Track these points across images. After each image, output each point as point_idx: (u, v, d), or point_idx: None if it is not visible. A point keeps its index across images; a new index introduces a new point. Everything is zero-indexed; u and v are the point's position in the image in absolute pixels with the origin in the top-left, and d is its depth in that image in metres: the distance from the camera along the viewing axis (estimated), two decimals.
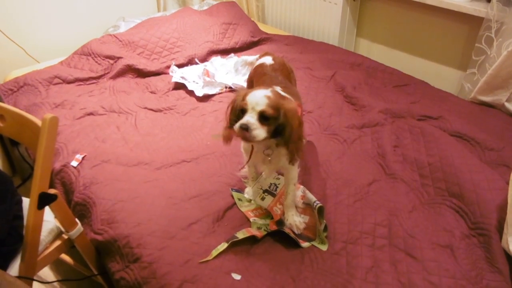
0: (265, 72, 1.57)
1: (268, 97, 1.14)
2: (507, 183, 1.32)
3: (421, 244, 1.31)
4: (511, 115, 1.99)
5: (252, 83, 1.61)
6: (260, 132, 1.13)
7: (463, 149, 1.64)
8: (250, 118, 1.13)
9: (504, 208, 1.29)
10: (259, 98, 1.13)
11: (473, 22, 2.20)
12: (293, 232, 1.35)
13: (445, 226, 1.39)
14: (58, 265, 1.87)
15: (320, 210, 1.34)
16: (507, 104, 2.00)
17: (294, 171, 1.37)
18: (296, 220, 1.37)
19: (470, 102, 2.13)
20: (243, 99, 1.16)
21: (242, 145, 1.42)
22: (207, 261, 1.24)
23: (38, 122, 1.16)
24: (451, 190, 1.49)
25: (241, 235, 1.31)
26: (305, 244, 1.32)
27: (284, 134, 1.17)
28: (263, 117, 1.13)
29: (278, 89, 1.35)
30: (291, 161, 1.22)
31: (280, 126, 1.16)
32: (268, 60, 1.64)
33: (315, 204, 1.37)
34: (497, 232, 1.30)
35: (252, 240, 1.33)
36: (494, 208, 1.36)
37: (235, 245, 1.30)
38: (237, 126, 1.14)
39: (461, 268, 1.24)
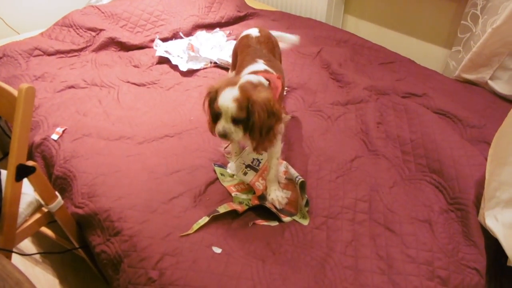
0: (250, 44, 1.58)
1: (237, 100, 1.15)
2: (486, 159, 1.34)
3: (401, 218, 1.33)
4: (494, 93, 2.01)
5: (237, 54, 1.61)
6: (236, 134, 1.20)
7: (445, 126, 1.65)
8: (225, 125, 1.18)
9: (482, 184, 1.31)
10: (228, 103, 1.15)
11: (460, 0, 2.19)
12: (275, 207, 1.35)
13: (424, 201, 1.40)
14: (40, 239, 1.86)
15: (302, 185, 1.35)
16: (490, 82, 2.01)
17: (277, 146, 1.37)
18: (278, 195, 1.38)
19: (455, 80, 2.14)
20: (216, 98, 1.18)
21: None
22: (188, 234, 1.24)
23: (15, 92, 1.13)
24: (432, 166, 1.51)
25: (222, 209, 1.32)
26: (286, 219, 1.33)
27: (252, 128, 1.19)
28: (235, 120, 1.18)
29: (261, 62, 1.36)
30: (264, 146, 1.24)
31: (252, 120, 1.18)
32: (254, 32, 1.65)
33: (297, 179, 1.38)
34: (475, 207, 1.32)
35: (233, 214, 1.33)
36: (472, 183, 1.38)
37: (216, 219, 1.30)
38: (216, 133, 1.21)
39: (438, 242, 1.27)
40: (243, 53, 1.54)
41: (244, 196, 1.41)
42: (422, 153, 1.56)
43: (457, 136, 1.60)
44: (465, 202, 1.35)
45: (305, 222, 1.32)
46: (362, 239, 1.28)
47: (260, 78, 1.30)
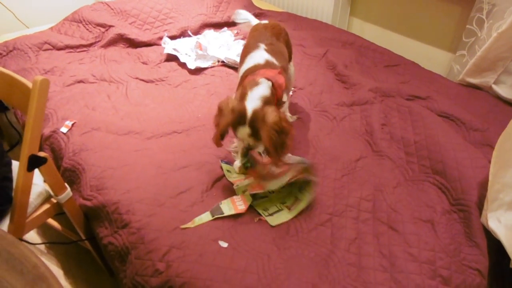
0: (257, 28, 1.69)
1: (250, 134, 1.27)
2: (489, 162, 1.36)
3: (403, 218, 1.35)
4: (497, 97, 2.03)
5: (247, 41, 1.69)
6: (252, 162, 1.36)
7: (448, 129, 1.68)
8: (245, 157, 1.37)
9: (485, 185, 1.33)
10: (245, 136, 1.29)
11: (465, 4, 2.21)
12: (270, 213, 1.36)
13: (427, 202, 1.43)
14: (45, 230, 1.88)
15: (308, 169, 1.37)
16: (494, 86, 2.03)
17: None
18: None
19: (458, 84, 2.16)
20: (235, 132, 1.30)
21: None
22: (188, 228, 1.26)
23: (29, 84, 1.16)
24: (435, 167, 1.53)
25: (226, 209, 1.33)
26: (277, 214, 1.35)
27: (268, 150, 1.27)
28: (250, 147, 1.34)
29: (262, 47, 1.48)
30: (280, 160, 1.30)
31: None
32: (264, 21, 1.77)
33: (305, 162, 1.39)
34: (477, 208, 1.34)
35: None
36: (475, 185, 1.40)
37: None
38: (237, 170, 1.46)
39: (440, 242, 1.29)
40: (249, 37, 1.66)
41: (245, 183, 1.43)
42: (426, 154, 1.58)
43: (460, 138, 1.63)
44: (467, 203, 1.37)
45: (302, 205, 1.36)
46: (365, 237, 1.30)
47: (263, 87, 1.32)
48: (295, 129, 1.74)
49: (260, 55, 1.48)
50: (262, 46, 1.52)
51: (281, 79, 1.37)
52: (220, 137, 1.33)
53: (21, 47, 2.14)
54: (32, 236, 1.86)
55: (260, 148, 1.35)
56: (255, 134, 1.27)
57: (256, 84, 1.32)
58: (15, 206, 1.20)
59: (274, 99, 1.35)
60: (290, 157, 1.49)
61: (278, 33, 1.66)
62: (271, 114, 1.24)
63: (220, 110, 1.31)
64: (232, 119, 1.27)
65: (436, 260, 1.22)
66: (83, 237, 1.53)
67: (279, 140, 1.24)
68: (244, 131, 1.27)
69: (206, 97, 1.94)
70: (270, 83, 1.34)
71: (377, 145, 1.67)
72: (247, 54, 1.52)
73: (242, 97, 1.30)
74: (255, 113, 1.26)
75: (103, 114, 1.76)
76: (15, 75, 1.21)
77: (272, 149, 1.24)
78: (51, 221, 1.65)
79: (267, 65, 1.44)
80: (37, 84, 1.12)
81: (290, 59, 1.76)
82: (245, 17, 1.91)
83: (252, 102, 1.28)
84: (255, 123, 1.25)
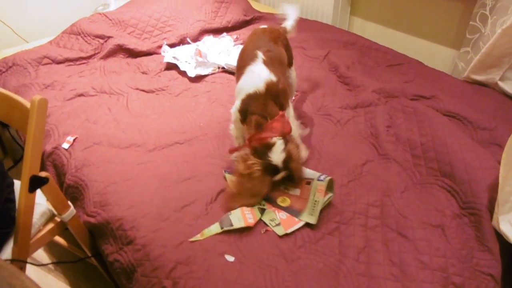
0: (256, 32, 1.68)
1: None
2: (499, 163, 1.32)
3: (413, 224, 1.33)
4: (504, 94, 2.00)
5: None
6: None
7: (455, 129, 1.64)
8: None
9: (495, 187, 1.30)
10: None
11: (468, 0, 2.18)
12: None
13: (436, 206, 1.40)
14: (52, 247, 1.87)
15: (331, 183, 1.38)
16: (500, 83, 2.00)
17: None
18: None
19: (464, 81, 2.13)
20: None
21: (233, 131, 1.53)
22: (197, 240, 1.25)
23: (27, 104, 1.15)
24: (443, 169, 1.50)
25: (236, 221, 1.30)
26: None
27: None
28: None
29: (260, 56, 1.48)
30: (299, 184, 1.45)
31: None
32: (264, 26, 1.77)
33: (322, 177, 1.39)
34: (488, 212, 1.31)
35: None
36: (485, 187, 1.37)
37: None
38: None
39: (451, 247, 1.26)
40: (247, 41, 1.65)
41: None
42: (433, 156, 1.56)
43: (468, 138, 1.59)
44: (478, 206, 1.34)
45: (313, 220, 1.32)
46: (374, 245, 1.27)
47: (279, 146, 1.35)
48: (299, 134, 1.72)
49: (258, 75, 1.43)
50: (260, 55, 1.48)
51: (288, 128, 1.39)
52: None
53: (20, 63, 2.14)
54: (39, 252, 1.85)
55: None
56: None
57: (271, 146, 1.35)
58: (19, 228, 1.19)
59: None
60: (306, 172, 1.48)
61: (276, 37, 1.64)
62: (293, 151, 1.38)
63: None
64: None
65: (448, 266, 1.20)
66: (89, 254, 1.52)
67: (301, 168, 1.43)
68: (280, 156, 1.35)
69: (207, 105, 1.92)
70: (281, 140, 1.36)
71: (383, 148, 1.64)
72: (246, 65, 1.48)
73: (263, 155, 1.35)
74: (290, 154, 1.37)
75: (104, 128, 1.74)
76: (14, 95, 1.20)
77: (300, 175, 1.43)
78: (56, 237, 1.63)
79: (268, 89, 1.40)
80: (35, 104, 1.10)
81: (290, 64, 1.74)
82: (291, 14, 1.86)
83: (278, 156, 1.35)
84: (287, 163, 1.36)
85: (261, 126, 1.36)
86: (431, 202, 1.42)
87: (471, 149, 1.52)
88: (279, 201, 1.40)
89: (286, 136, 1.39)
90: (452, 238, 1.29)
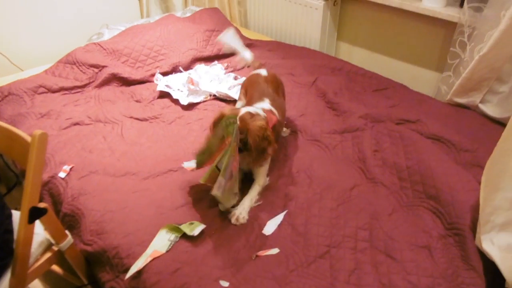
0: (259, 81, 1.81)
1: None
2: (480, 183, 1.39)
3: (401, 245, 1.38)
4: (484, 116, 2.08)
5: (246, 88, 1.86)
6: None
7: (439, 152, 1.71)
8: None
9: (477, 208, 1.36)
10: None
11: (448, 27, 2.29)
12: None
13: (423, 227, 1.45)
14: (47, 275, 1.88)
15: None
16: (481, 106, 2.09)
17: (262, 178, 1.61)
18: (242, 213, 1.47)
19: (447, 103, 2.21)
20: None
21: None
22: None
23: (28, 138, 1.19)
24: (428, 192, 1.56)
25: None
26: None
27: (248, 148, 1.46)
28: None
29: (267, 101, 1.66)
30: (258, 163, 1.53)
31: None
32: (263, 72, 1.88)
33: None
34: (471, 232, 1.37)
35: (239, 244, 1.37)
36: (468, 208, 1.43)
37: (222, 248, 1.34)
38: None
39: (438, 267, 1.31)
40: (252, 88, 1.80)
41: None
42: (419, 179, 1.62)
43: (451, 161, 1.66)
44: (461, 227, 1.40)
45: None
46: (364, 267, 1.32)
47: (259, 110, 1.53)
48: (289, 158, 1.78)
49: (265, 105, 1.67)
50: (267, 100, 1.70)
51: (274, 118, 1.56)
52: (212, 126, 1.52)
53: (16, 92, 2.18)
54: (34, 281, 1.85)
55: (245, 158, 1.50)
56: (241, 131, 1.43)
57: (255, 103, 1.59)
58: (17, 259, 1.22)
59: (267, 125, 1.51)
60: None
61: (277, 87, 1.82)
62: (260, 121, 1.46)
63: (215, 119, 1.50)
64: (226, 113, 1.46)
65: (435, 286, 1.25)
66: (86, 282, 1.54)
67: (261, 145, 1.45)
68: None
69: (200, 132, 1.98)
70: (264, 114, 1.54)
71: (371, 172, 1.70)
72: (253, 104, 1.68)
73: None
74: (248, 113, 1.47)
75: (100, 156, 1.79)
76: (14, 128, 1.24)
77: (254, 150, 1.45)
78: (53, 266, 1.65)
79: (270, 111, 1.63)
80: (35, 138, 1.15)
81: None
82: (230, 43, 2.07)
83: (247, 109, 1.49)
84: (244, 121, 1.44)
85: None
86: (417, 224, 1.47)
87: (454, 172, 1.58)
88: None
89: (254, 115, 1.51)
90: (439, 258, 1.34)
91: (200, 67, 2.49)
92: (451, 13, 2.16)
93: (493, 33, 1.84)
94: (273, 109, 1.67)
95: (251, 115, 1.48)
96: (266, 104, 1.68)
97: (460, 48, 2.13)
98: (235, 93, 2.21)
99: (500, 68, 1.95)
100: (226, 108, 1.50)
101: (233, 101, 2.20)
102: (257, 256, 1.35)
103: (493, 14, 1.89)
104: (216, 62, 2.61)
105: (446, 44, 2.35)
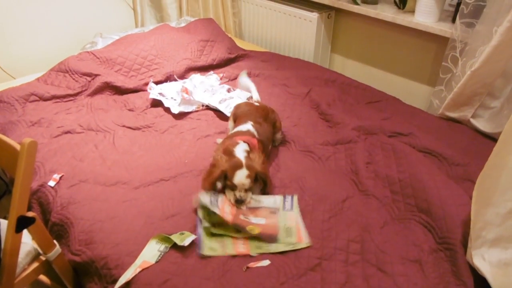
0: (249, 107, 1.91)
1: (249, 176, 1.50)
2: (471, 198, 1.39)
3: (392, 259, 1.37)
4: (476, 130, 2.09)
5: (236, 115, 1.92)
6: (246, 196, 1.53)
7: (431, 166, 1.72)
8: (241, 194, 1.52)
9: (468, 223, 1.36)
10: (244, 180, 1.50)
11: (440, 42, 2.31)
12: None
13: (414, 241, 1.45)
14: (34, 285, 1.85)
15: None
16: (472, 120, 2.10)
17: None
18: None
19: (439, 117, 2.23)
20: (231, 178, 1.51)
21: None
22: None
23: (17, 146, 1.17)
24: (420, 205, 1.56)
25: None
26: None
27: (264, 186, 1.61)
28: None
29: (250, 123, 1.78)
30: (271, 189, 1.64)
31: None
32: (256, 102, 2.01)
33: (287, 206, 1.55)
34: (462, 246, 1.37)
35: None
36: (459, 223, 1.43)
37: (212, 259, 1.33)
38: (234, 201, 1.52)
39: (429, 282, 1.30)
40: (242, 114, 1.88)
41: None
42: (410, 192, 1.62)
43: (443, 175, 1.67)
44: (453, 241, 1.39)
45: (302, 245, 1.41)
46: (355, 280, 1.31)
47: (244, 146, 1.60)
48: (282, 170, 1.77)
49: (245, 126, 1.76)
50: (250, 123, 1.78)
51: (254, 141, 1.67)
52: (214, 183, 1.53)
53: (7, 100, 2.16)
54: None
55: (256, 190, 1.58)
56: (251, 178, 1.50)
57: (236, 143, 1.61)
58: (4, 269, 1.20)
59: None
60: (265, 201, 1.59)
61: (265, 115, 1.87)
62: (257, 158, 1.57)
63: (215, 162, 1.56)
64: (229, 167, 1.51)
65: None
66: None
67: (267, 178, 1.58)
68: (242, 173, 1.50)
69: (192, 142, 1.97)
70: (247, 145, 1.62)
71: (363, 184, 1.70)
72: (238, 125, 1.81)
73: (230, 153, 1.57)
74: (247, 159, 1.55)
75: (90, 165, 1.77)
76: (4, 137, 1.23)
77: (269, 183, 1.59)
78: (40, 276, 1.62)
79: (248, 132, 1.73)
80: (25, 146, 1.13)
81: (279, 129, 1.95)
82: (246, 85, 2.20)
83: (241, 154, 1.56)
84: (251, 168, 1.52)
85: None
86: (409, 237, 1.47)
87: (446, 186, 1.59)
88: (248, 229, 1.43)
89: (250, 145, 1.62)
90: (430, 273, 1.34)
91: (195, 77, 2.49)
92: (443, 28, 2.18)
93: (485, 49, 1.87)
94: (253, 130, 1.75)
95: (250, 158, 1.57)
96: (248, 125, 1.77)
97: (452, 63, 2.15)
98: (224, 108, 2.20)
99: (491, 84, 1.97)
100: (219, 156, 1.58)
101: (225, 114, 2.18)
102: (247, 267, 1.33)
103: (485, 29, 1.92)
104: (212, 72, 2.62)
105: (438, 58, 2.38)
